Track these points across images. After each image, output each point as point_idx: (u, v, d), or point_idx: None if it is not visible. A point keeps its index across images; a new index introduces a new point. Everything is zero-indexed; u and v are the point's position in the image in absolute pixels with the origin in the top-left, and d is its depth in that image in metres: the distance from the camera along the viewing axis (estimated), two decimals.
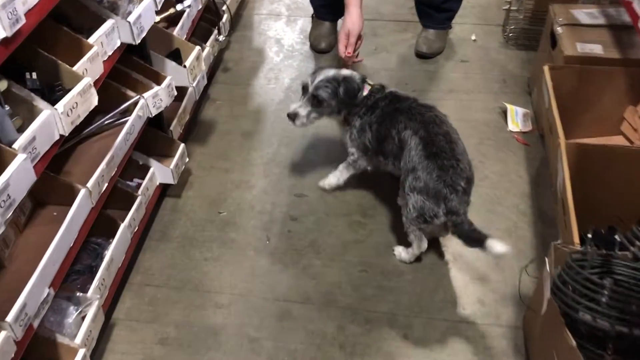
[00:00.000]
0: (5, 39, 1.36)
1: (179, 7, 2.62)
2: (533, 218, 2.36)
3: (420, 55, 3.26)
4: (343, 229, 2.36)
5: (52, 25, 1.77)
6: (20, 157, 1.41)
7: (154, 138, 2.40)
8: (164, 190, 2.51)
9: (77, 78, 1.67)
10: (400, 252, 2.24)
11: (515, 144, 2.70)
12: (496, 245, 1.86)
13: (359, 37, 2.49)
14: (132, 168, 2.33)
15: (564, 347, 1.54)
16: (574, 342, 1.46)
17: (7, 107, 1.50)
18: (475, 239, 1.90)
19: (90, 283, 1.90)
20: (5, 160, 1.41)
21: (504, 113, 2.85)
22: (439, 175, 1.97)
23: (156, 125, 2.40)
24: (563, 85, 2.41)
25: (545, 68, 2.43)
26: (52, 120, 1.56)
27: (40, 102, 1.56)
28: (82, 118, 1.67)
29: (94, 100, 1.71)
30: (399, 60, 3.27)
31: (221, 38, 3.02)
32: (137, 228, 2.19)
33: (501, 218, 2.37)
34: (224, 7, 3.14)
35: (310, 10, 3.51)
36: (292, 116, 2.22)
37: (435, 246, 2.27)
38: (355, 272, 2.20)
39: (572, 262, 1.59)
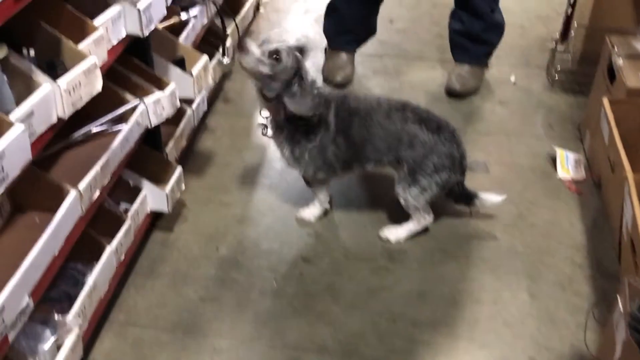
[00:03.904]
0: None
1: (183, 16, 2.74)
2: (591, 272, 2.39)
3: (452, 94, 3.37)
4: (366, 274, 2.38)
5: (54, 3, 1.85)
6: (19, 128, 1.45)
7: (148, 158, 2.45)
8: (152, 222, 2.53)
9: (82, 56, 1.73)
10: (392, 233, 2.51)
11: (566, 192, 2.77)
12: (490, 196, 2.49)
13: None
14: (120, 190, 2.37)
15: None
16: None
17: (4, 77, 1.55)
18: (471, 195, 2.48)
19: (68, 312, 1.89)
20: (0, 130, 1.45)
21: (552, 159, 2.93)
22: (451, 143, 2.39)
23: (151, 144, 2.46)
24: (625, 122, 2.50)
25: (605, 100, 2.53)
26: (51, 97, 1.61)
27: (40, 76, 1.61)
28: (84, 102, 1.72)
29: (98, 84, 1.77)
30: (428, 98, 3.38)
31: (225, 60, 3.11)
32: (123, 257, 2.20)
33: (553, 270, 2.40)
34: (231, 29, 3.26)
35: (322, 42, 3.65)
36: (242, 47, 2.20)
37: (474, 298, 2.29)
38: (382, 321, 2.21)
39: None
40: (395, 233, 2.51)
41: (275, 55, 2.22)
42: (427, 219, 2.49)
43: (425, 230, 2.53)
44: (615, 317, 1.78)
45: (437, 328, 2.19)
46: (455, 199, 2.52)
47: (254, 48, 2.21)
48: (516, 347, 2.13)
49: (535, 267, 2.42)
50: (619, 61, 2.70)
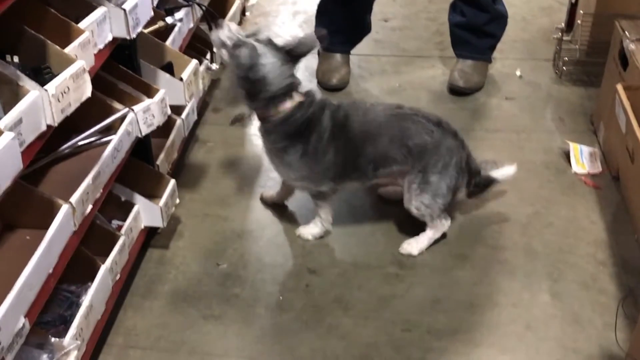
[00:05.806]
0: None
1: (169, 19, 2.75)
2: (615, 269, 2.41)
3: (455, 91, 3.40)
4: (376, 283, 2.39)
5: (37, 6, 1.87)
6: (8, 136, 1.46)
7: (139, 172, 2.46)
8: (147, 241, 2.53)
9: (69, 61, 1.75)
10: (413, 246, 2.50)
11: (583, 188, 2.79)
12: (503, 171, 2.57)
13: None
14: (111, 207, 2.37)
15: None
16: None
17: None
18: (490, 180, 2.56)
19: (64, 336, 1.90)
20: None
21: (566, 154, 2.96)
22: (454, 139, 2.44)
23: (141, 157, 2.47)
24: None
25: (619, 87, 2.56)
26: (40, 104, 1.62)
27: (27, 82, 1.62)
28: (73, 108, 1.73)
29: (88, 90, 1.79)
30: (430, 97, 3.41)
31: (214, 67, 3.13)
32: (118, 276, 2.20)
33: (575, 269, 2.42)
34: None
35: None
36: (219, 24, 2.30)
37: (493, 302, 2.30)
38: (397, 331, 2.21)
39: None
40: (416, 245, 2.51)
41: (236, 46, 2.26)
42: (445, 224, 2.51)
43: (442, 235, 2.54)
44: None
45: (454, 335, 2.20)
46: (480, 191, 2.59)
47: (225, 31, 2.29)
48: (541, 351, 2.14)
49: (556, 267, 2.43)
50: (631, 46, 2.73)
